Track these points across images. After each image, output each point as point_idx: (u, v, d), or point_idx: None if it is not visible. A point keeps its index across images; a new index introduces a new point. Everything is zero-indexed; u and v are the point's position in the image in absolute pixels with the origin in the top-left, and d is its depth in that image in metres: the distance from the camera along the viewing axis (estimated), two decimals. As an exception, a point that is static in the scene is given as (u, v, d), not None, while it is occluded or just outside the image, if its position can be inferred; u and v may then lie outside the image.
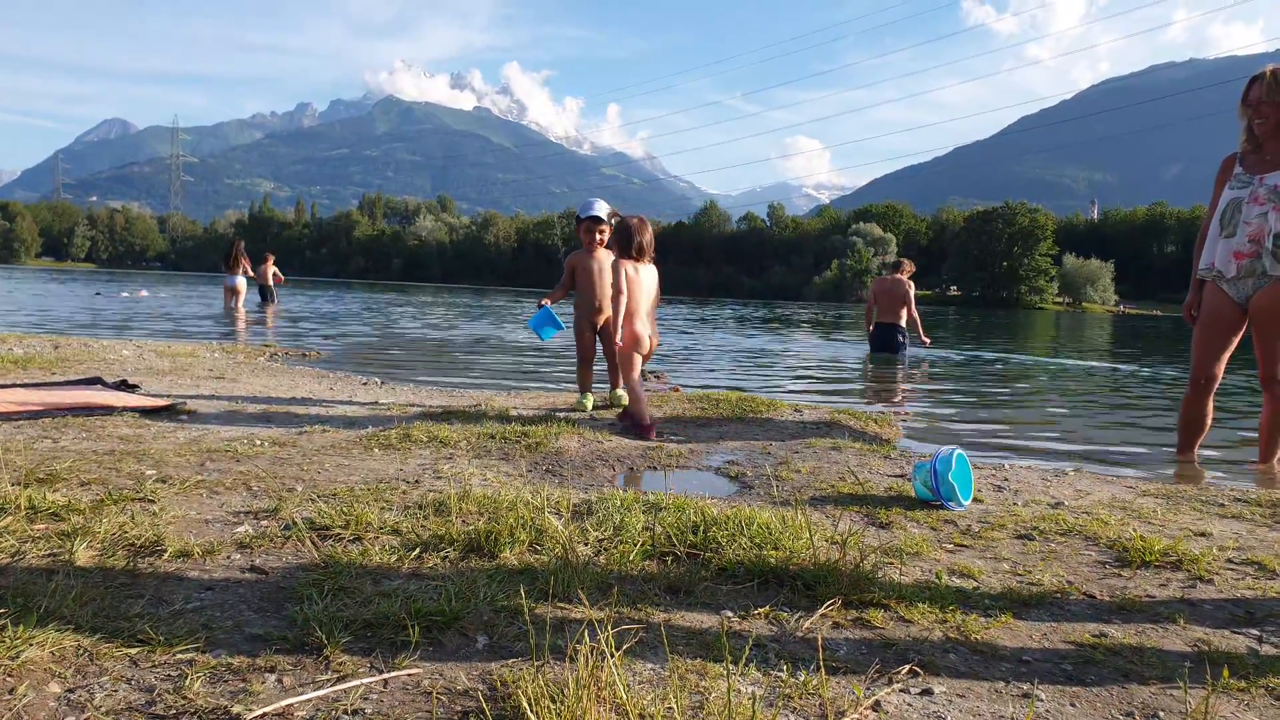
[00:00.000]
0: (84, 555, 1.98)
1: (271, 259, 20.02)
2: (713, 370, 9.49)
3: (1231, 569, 2.35)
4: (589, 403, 5.18)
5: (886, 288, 11.27)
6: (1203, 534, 2.71)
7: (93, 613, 1.66)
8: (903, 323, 11.22)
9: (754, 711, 1.27)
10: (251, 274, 17.84)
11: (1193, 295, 4.40)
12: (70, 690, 1.39)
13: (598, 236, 5.21)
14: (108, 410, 4.17)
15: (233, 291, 17.65)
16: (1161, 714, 1.51)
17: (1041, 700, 1.55)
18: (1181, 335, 24.50)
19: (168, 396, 4.81)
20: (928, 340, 11.94)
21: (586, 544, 2.23)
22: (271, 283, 19.93)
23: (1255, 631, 1.91)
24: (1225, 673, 1.64)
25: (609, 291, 5.01)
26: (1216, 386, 4.36)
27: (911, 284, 11.22)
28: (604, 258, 5.20)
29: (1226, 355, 4.29)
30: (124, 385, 5.07)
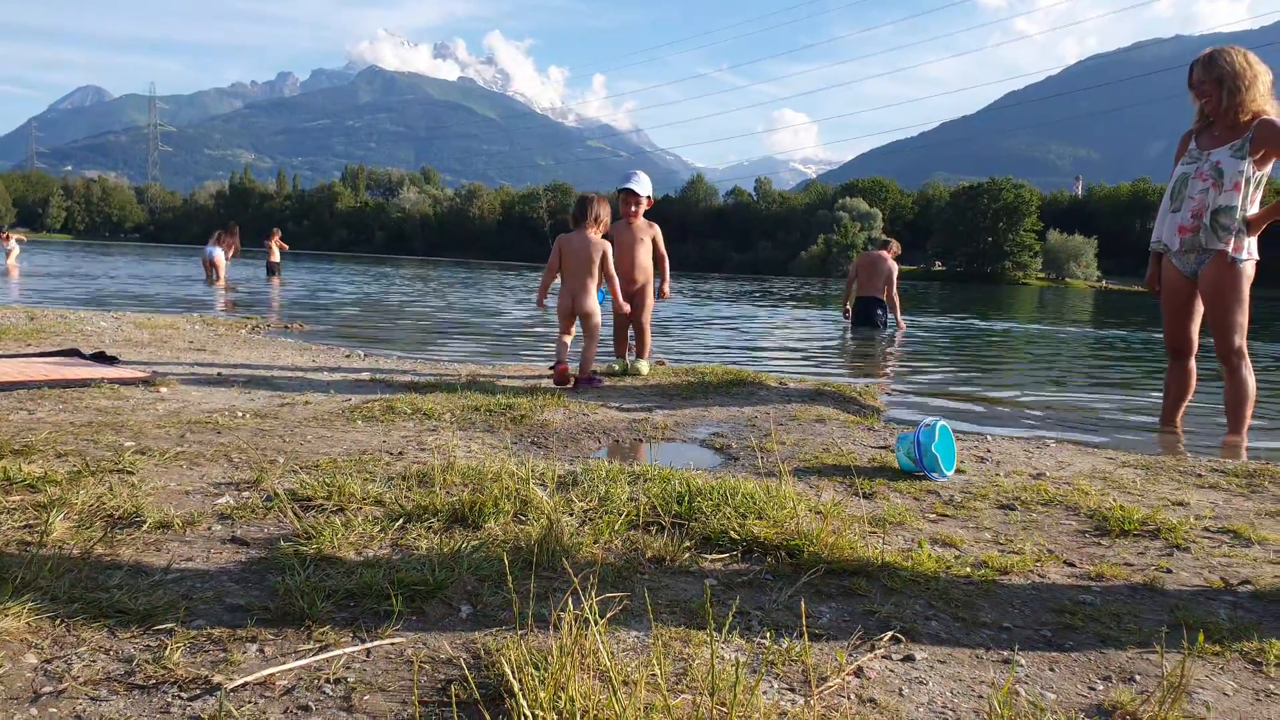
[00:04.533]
0: (61, 527, 1.96)
1: (277, 234, 20.41)
2: (699, 343, 9.49)
3: (1208, 537, 2.38)
4: (618, 365, 5.52)
5: (870, 261, 11.14)
6: (1180, 504, 2.73)
7: (70, 584, 1.64)
8: (883, 296, 11.13)
9: (737, 677, 1.27)
10: (236, 253, 17.93)
11: (1152, 268, 4.50)
12: (47, 661, 1.38)
13: (633, 208, 5.43)
14: (85, 382, 4.12)
15: (211, 265, 17.51)
16: (1138, 678, 1.53)
17: (1022, 665, 1.56)
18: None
19: (147, 368, 4.76)
20: (903, 325, 11.60)
21: (571, 514, 2.23)
22: (277, 258, 20.27)
23: (1230, 598, 1.93)
24: (1200, 638, 1.66)
25: (644, 262, 5.45)
26: (1193, 351, 4.44)
27: (895, 264, 11.12)
28: (640, 228, 5.47)
29: (1195, 322, 4.37)
30: (102, 357, 5.01)
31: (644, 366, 5.46)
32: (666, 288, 5.58)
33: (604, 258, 4.95)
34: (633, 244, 5.41)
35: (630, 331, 5.79)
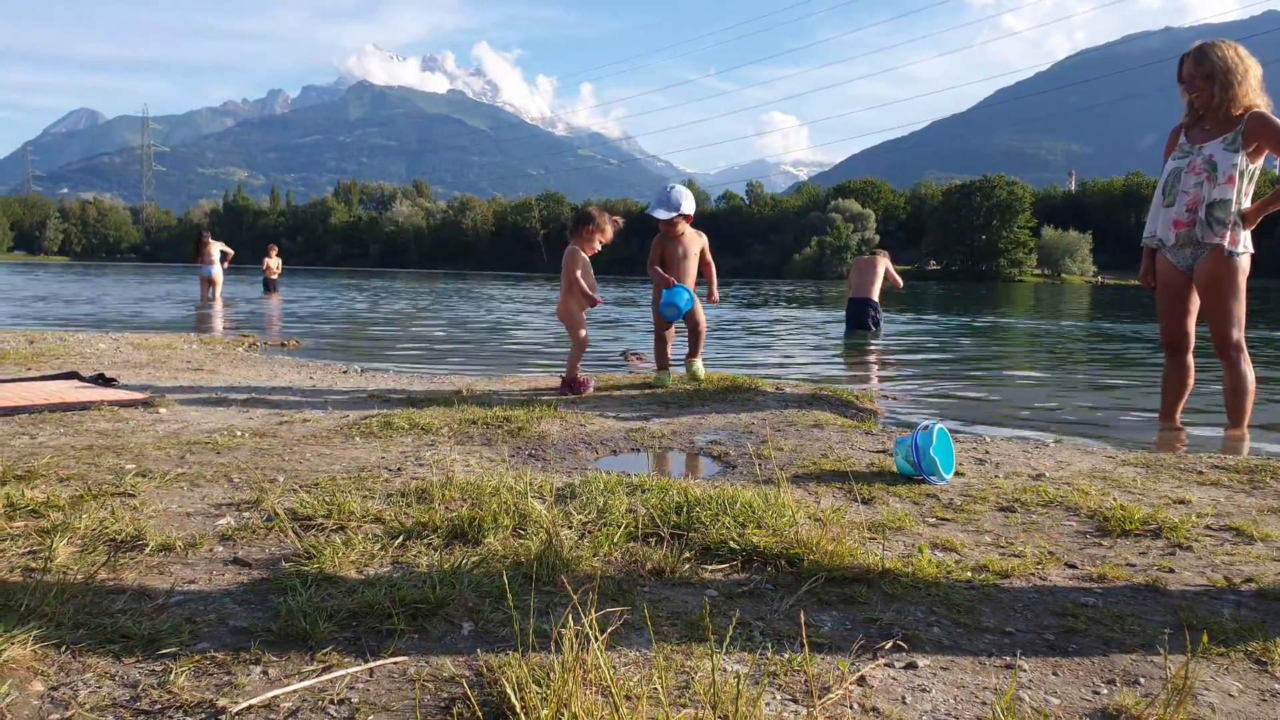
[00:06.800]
0: (64, 552, 1.96)
1: (274, 250, 20.42)
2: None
3: (1210, 535, 2.38)
4: (668, 379, 5.43)
5: (863, 264, 11.70)
6: (1182, 501, 2.74)
7: (74, 610, 1.64)
8: (875, 296, 11.35)
9: (739, 690, 1.28)
10: (226, 263, 17.72)
11: (1146, 263, 4.51)
12: (54, 688, 1.38)
13: (675, 227, 5.47)
14: (85, 405, 4.12)
15: (209, 282, 17.50)
16: (1142, 680, 1.53)
17: (1025, 671, 1.56)
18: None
19: (146, 390, 4.76)
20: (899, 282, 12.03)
21: (570, 527, 2.23)
22: (275, 274, 20.28)
23: (1233, 597, 1.94)
24: (1205, 638, 1.66)
25: (693, 271, 5.53)
26: (1190, 346, 4.44)
27: (889, 262, 11.59)
28: (688, 241, 5.52)
29: (1191, 317, 4.37)
30: (101, 379, 5.01)
31: (700, 369, 5.54)
32: (715, 292, 5.79)
33: (567, 266, 5.12)
34: (683, 258, 5.50)
35: (665, 337, 5.87)
